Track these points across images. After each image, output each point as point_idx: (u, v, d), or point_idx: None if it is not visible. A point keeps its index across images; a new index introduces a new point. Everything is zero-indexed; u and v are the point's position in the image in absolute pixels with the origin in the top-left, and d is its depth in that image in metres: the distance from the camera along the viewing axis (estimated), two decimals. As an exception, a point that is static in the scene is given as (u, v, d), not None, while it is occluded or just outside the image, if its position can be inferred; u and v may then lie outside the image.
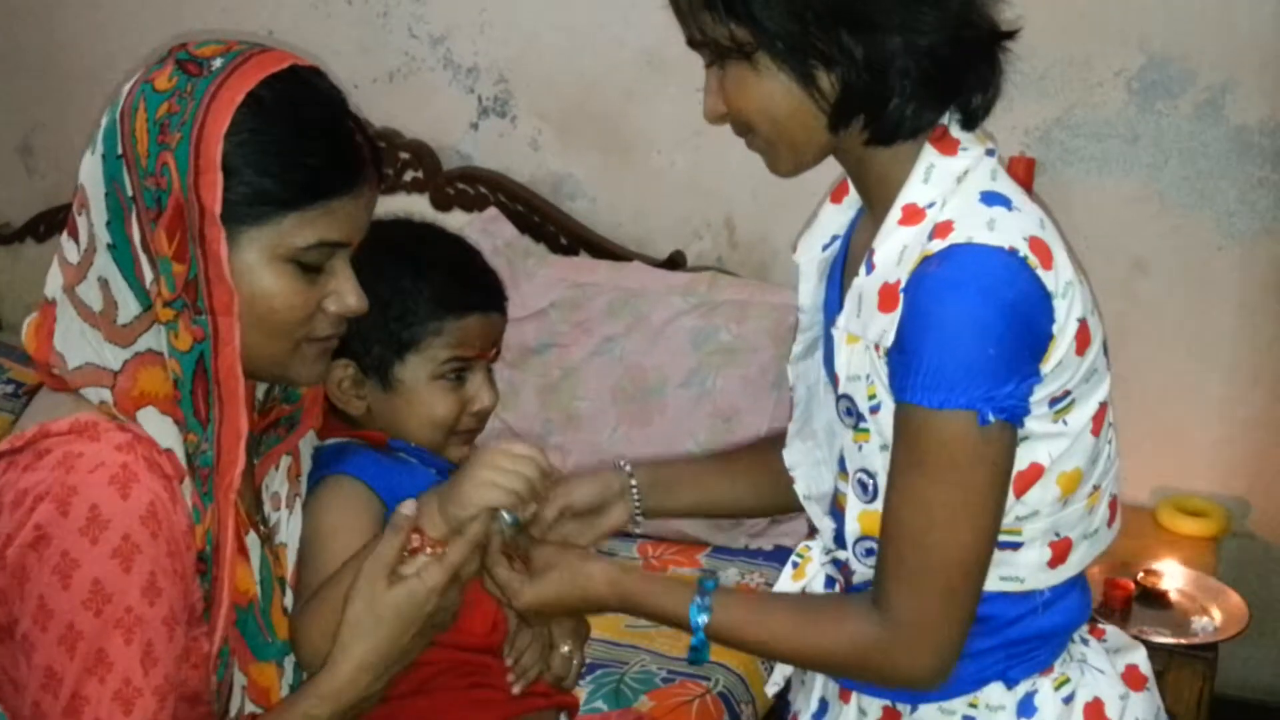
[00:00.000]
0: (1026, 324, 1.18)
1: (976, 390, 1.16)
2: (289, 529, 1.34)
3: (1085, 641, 1.38)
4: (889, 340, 1.20)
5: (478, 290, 1.44)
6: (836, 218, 1.41)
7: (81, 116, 3.61)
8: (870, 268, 1.24)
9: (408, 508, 1.24)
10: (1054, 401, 1.23)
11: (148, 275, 1.14)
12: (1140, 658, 1.41)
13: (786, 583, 1.44)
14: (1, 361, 3.57)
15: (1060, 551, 1.30)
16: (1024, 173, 2.19)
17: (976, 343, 1.15)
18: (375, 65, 3.11)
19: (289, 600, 1.32)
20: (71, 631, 1.09)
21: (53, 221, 3.66)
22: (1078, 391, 1.24)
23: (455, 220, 2.97)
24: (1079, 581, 1.36)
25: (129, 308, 1.15)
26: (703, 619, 1.29)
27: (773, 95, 1.22)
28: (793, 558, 1.43)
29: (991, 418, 1.16)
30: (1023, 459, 1.24)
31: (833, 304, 1.37)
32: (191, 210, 1.12)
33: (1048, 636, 1.33)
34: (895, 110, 1.21)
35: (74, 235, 1.19)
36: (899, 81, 1.20)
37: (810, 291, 1.41)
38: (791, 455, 1.45)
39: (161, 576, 1.12)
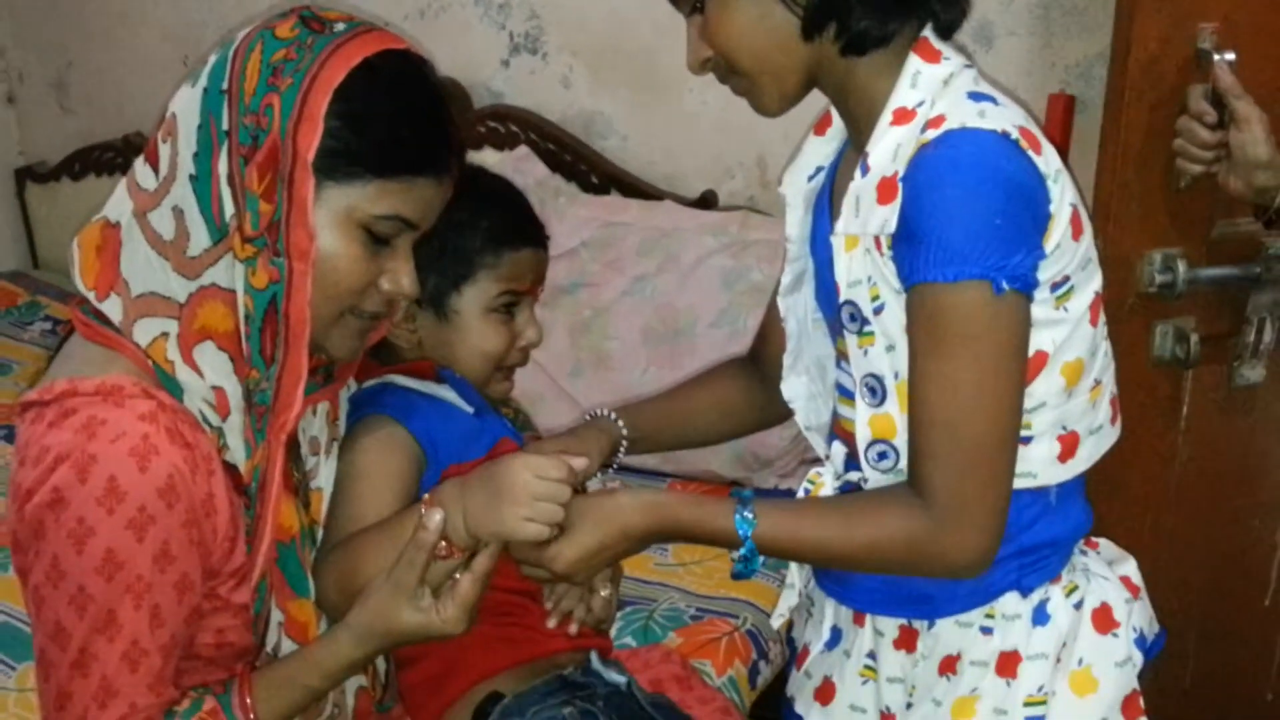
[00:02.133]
0: (1027, 198, 1.21)
1: (989, 259, 1.18)
2: (325, 474, 1.35)
3: (1084, 553, 1.42)
4: (891, 228, 1.23)
5: (530, 225, 1.48)
6: (821, 149, 1.44)
7: (115, 55, 3.63)
8: (865, 169, 1.27)
9: (434, 520, 1.22)
10: (1055, 286, 1.26)
11: (226, 209, 1.16)
12: (1131, 569, 1.45)
13: None
14: (39, 299, 3.61)
15: (1069, 445, 1.33)
16: (1063, 110, 2.15)
17: (983, 214, 1.18)
18: (406, 2, 3.10)
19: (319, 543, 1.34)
20: (82, 594, 1.13)
21: (87, 160, 3.69)
22: (1076, 278, 1.27)
23: (486, 159, 2.96)
24: (1081, 489, 1.39)
25: (200, 240, 1.17)
26: (749, 529, 1.28)
27: (751, 16, 1.26)
28: (804, 484, 1.45)
29: (1005, 286, 1.19)
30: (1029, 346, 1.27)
31: (819, 236, 1.40)
32: (285, 154, 1.14)
33: (1058, 544, 1.37)
34: (861, 15, 1.25)
35: (152, 162, 1.20)
36: None
37: (797, 222, 1.43)
38: (789, 388, 1.48)
39: (175, 545, 1.14)
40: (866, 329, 1.29)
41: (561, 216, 2.85)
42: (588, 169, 2.99)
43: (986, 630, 1.36)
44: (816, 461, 1.48)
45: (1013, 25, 2.47)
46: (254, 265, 1.16)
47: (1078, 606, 1.37)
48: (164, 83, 3.51)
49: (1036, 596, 1.36)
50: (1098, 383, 1.34)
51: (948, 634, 1.37)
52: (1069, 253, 1.26)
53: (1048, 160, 1.24)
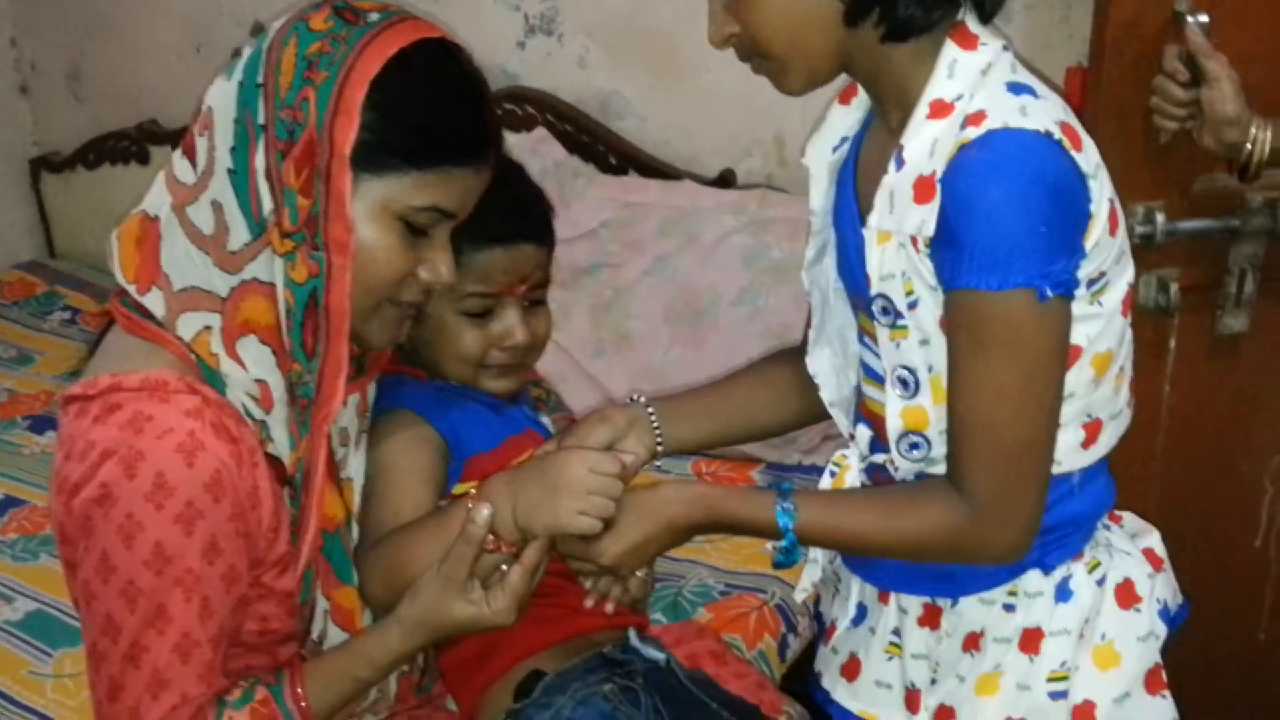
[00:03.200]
0: (1069, 201, 1.20)
1: (1032, 267, 1.18)
2: (355, 464, 1.36)
3: (1108, 527, 1.42)
4: (929, 230, 1.21)
5: (502, 222, 1.37)
6: (845, 119, 1.41)
7: (128, 44, 3.63)
8: (900, 163, 1.25)
9: (482, 515, 1.24)
10: (1091, 282, 1.26)
11: (265, 204, 1.16)
12: (1155, 540, 1.45)
13: None
14: (57, 289, 3.62)
15: (1092, 432, 1.34)
16: (1080, 83, 2.14)
17: (1027, 222, 1.17)
18: (420, -15, 3.10)
19: (355, 535, 1.35)
20: (132, 587, 1.14)
21: (101, 149, 3.69)
22: (1111, 272, 1.27)
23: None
24: (1104, 467, 1.39)
25: (239, 234, 1.17)
26: (789, 521, 1.30)
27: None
28: (829, 467, 1.46)
29: (1049, 293, 1.19)
30: None
31: (843, 207, 1.38)
32: (322, 148, 1.14)
33: (1080, 521, 1.37)
34: (907, 1, 1.22)
35: (190, 156, 1.20)
36: None
37: (820, 194, 1.42)
38: (814, 363, 1.46)
39: (222, 538, 1.15)
40: (900, 322, 1.29)
41: (580, 197, 2.85)
42: (605, 150, 2.99)
43: (1009, 608, 1.37)
44: (840, 438, 1.49)
45: (1031, -2, 2.47)
46: (293, 260, 1.16)
47: (1100, 583, 1.37)
48: (178, 71, 3.53)
49: (1059, 574, 1.36)
50: (1121, 370, 1.35)
51: (971, 611, 1.38)
52: (1106, 249, 1.25)
53: (1088, 156, 1.23)
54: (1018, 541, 1.28)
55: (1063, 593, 1.36)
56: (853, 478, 1.43)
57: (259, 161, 1.16)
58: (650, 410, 1.47)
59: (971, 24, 1.26)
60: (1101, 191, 1.24)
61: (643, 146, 2.98)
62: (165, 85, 3.53)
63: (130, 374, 1.15)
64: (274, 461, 1.21)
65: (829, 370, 1.46)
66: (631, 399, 1.49)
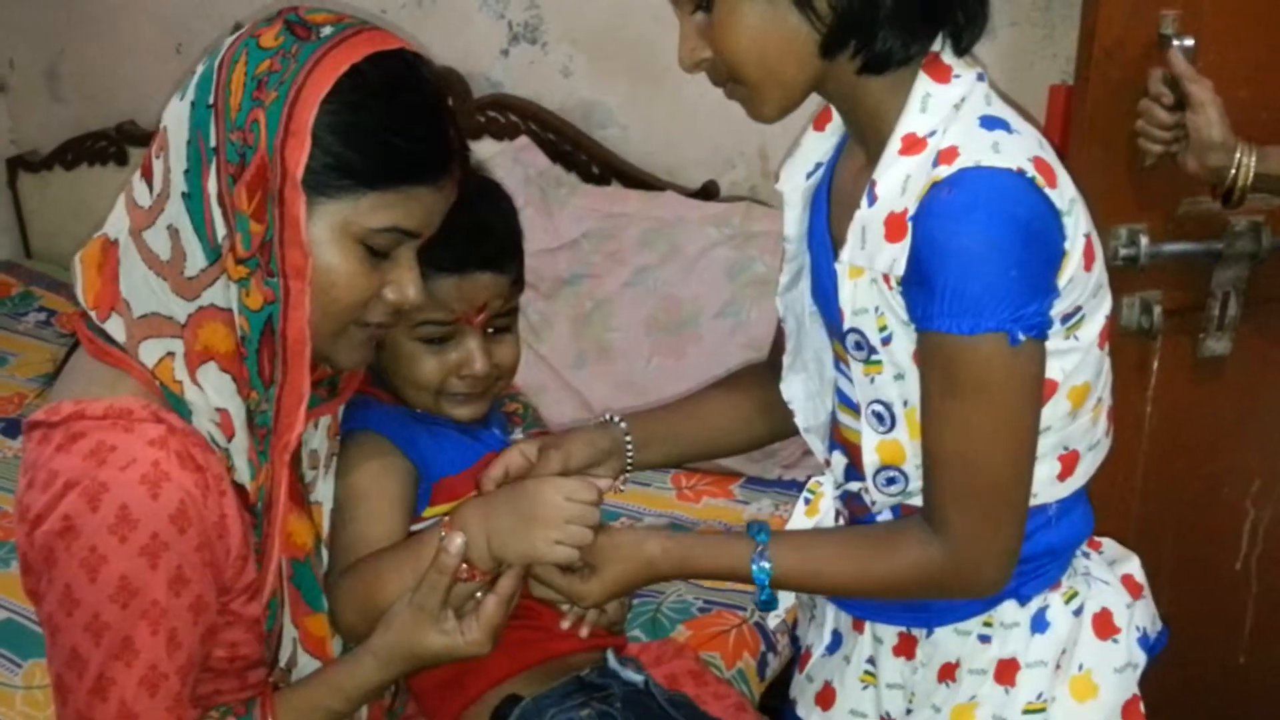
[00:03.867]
0: (1042, 242, 1.18)
1: (1004, 311, 1.16)
2: (325, 488, 1.34)
3: (1086, 555, 1.41)
4: (900, 269, 1.20)
5: (460, 249, 1.32)
6: (820, 145, 1.40)
7: (108, 44, 3.60)
8: (872, 199, 1.23)
9: (455, 544, 1.23)
10: (1066, 318, 1.24)
11: (218, 229, 1.12)
12: (1135, 567, 1.44)
13: (800, 519, 1.46)
14: (32, 289, 3.59)
15: (1069, 464, 1.33)
16: (1064, 101, 2.14)
17: (998, 265, 1.15)
18: (404, -9, 3.08)
19: (325, 561, 1.33)
20: (97, 621, 1.11)
21: (80, 149, 3.67)
22: (1087, 307, 1.26)
23: (486, 149, 2.95)
24: (1082, 496, 1.38)
25: (196, 260, 1.14)
26: (765, 574, 1.29)
27: (768, 25, 1.19)
28: (804, 494, 1.45)
29: (1022, 336, 1.17)
30: None
31: (817, 233, 1.37)
32: (274, 171, 1.10)
33: (1057, 552, 1.36)
34: (887, 34, 1.20)
35: (148, 178, 1.17)
36: (890, 2, 1.18)
37: (795, 220, 1.40)
38: (789, 388, 1.45)
39: (189, 569, 1.12)
40: (874, 357, 1.27)
41: (562, 207, 2.84)
42: (588, 159, 2.97)
43: (984, 638, 1.36)
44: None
45: (1015, 15, 2.46)
46: (247, 286, 1.12)
47: (1078, 613, 1.36)
48: (158, 72, 3.50)
49: (1035, 604, 1.35)
50: (1099, 401, 1.33)
51: (946, 641, 1.37)
52: (1081, 284, 1.24)
53: (1062, 192, 1.21)
54: (996, 578, 1.27)
55: (1039, 623, 1.35)
56: (826, 505, 1.43)
57: (212, 186, 1.11)
58: (627, 436, 1.45)
59: (946, 55, 1.24)
60: (1077, 227, 1.22)
61: (626, 157, 2.97)
62: (145, 85, 3.50)
63: (94, 401, 1.12)
64: (241, 489, 1.19)
65: (803, 396, 1.45)
66: (606, 418, 1.48)
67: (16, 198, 3.84)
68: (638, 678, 1.45)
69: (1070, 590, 1.37)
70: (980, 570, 1.26)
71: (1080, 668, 1.36)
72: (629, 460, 1.46)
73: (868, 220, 1.23)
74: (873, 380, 1.28)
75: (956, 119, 1.21)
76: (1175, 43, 1.78)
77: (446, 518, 1.28)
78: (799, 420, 1.45)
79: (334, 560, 1.33)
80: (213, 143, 1.11)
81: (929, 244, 1.17)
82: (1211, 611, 2.16)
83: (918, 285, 1.19)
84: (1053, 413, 1.27)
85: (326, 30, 1.13)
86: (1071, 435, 1.31)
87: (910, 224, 1.19)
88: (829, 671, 1.48)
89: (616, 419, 1.47)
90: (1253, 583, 2.19)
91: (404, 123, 1.14)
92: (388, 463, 1.36)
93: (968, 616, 1.36)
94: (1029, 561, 1.32)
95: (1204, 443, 2.10)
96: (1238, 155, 1.72)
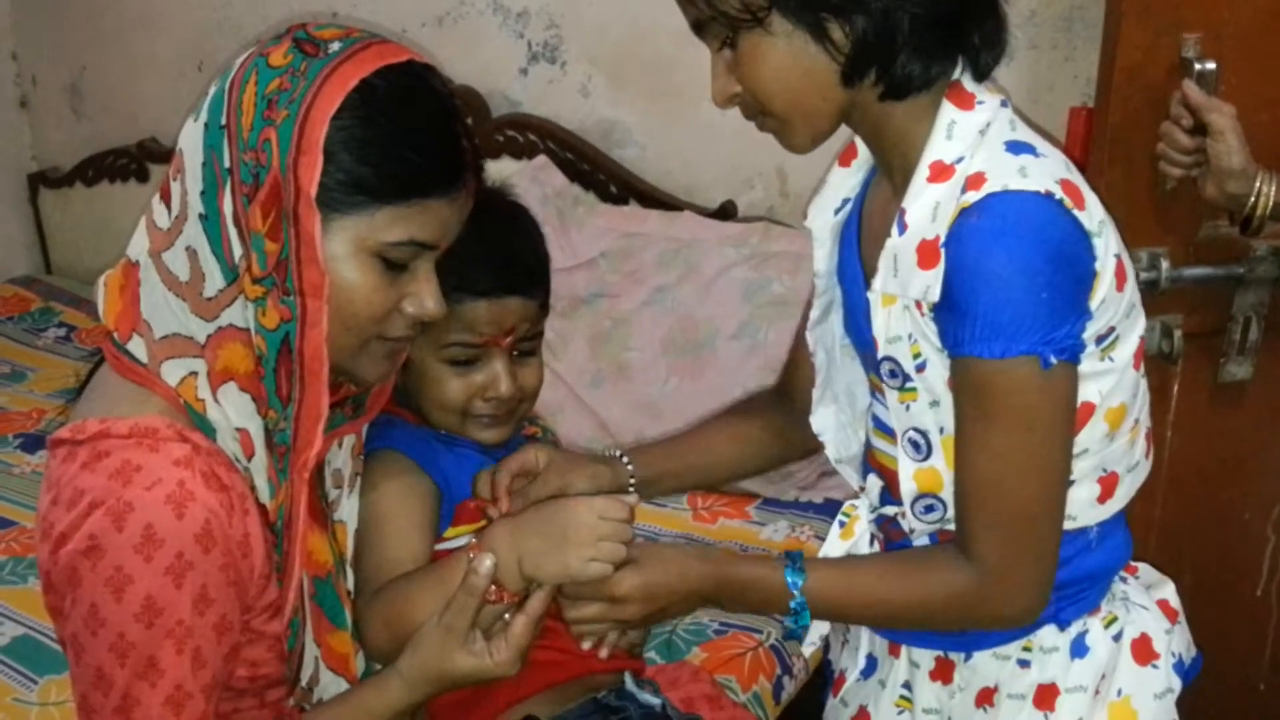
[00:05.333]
0: (1072, 264, 1.19)
1: (1035, 335, 1.16)
2: (347, 507, 1.34)
3: (1124, 579, 1.41)
4: (934, 295, 1.20)
5: (490, 275, 1.35)
6: (847, 180, 1.41)
7: (129, 61, 3.62)
8: (903, 228, 1.24)
9: (485, 565, 1.23)
10: (1100, 339, 1.24)
11: (235, 249, 1.13)
12: (1170, 592, 1.44)
13: (835, 543, 1.46)
14: (52, 304, 3.61)
15: (1108, 486, 1.32)
16: (1085, 123, 2.14)
17: (1029, 289, 1.16)
18: (425, 9, 3.09)
19: (349, 579, 1.33)
20: (123, 640, 1.11)
21: (101, 165, 3.69)
22: (1121, 327, 1.26)
23: (504, 168, 2.96)
24: (1121, 520, 1.38)
25: (214, 280, 1.14)
26: (801, 599, 1.28)
27: (788, 59, 1.20)
28: (839, 518, 1.45)
29: (1054, 360, 1.17)
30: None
31: (848, 267, 1.38)
32: (288, 189, 1.10)
33: (1097, 576, 1.36)
34: (906, 60, 1.21)
35: (166, 200, 1.17)
36: (908, 26, 1.19)
37: (825, 256, 1.41)
38: (819, 420, 1.45)
39: (213, 588, 1.12)
40: (909, 385, 1.28)
41: (580, 226, 2.84)
42: (606, 179, 2.98)
43: (1024, 663, 1.35)
44: (837, 474, 1.48)
45: (1035, 38, 2.46)
46: (263, 305, 1.12)
47: (1117, 638, 1.36)
48: (178, 89, 3.52)
49: (1075, 629, 1.35)
50: (1136, 422, 1.33)
51: (985, 666, 1.37)
52: (1113, 305, 1.24)
53: (1091, 214, 1.21)
54: (1030, 606, 1.27)
55: (1079, 648, 1.35)
56: (861, 529, 1.42)
57: (227, 206, 1.11)
58: (631, 479, 1.46)
59: (968, 82, 1.25)
60: (1107, 248, 1.23)
61: (644, 176, 2.98)
62: (166, 103, 3.52)
63: (119, 420, 1.13)
64: (263, 508, 1.19)
65: (834, 427, 1.45)
66: (612, 454, 1.49)
67: (38, 214, 3.87)
68: (655, 700, 1.45)
69: (1110, 615, 1.37)
70: (1014, 597, 1.26)
71: (1119, 693, 1.35)
72: (632, 489, 1.46)
73: (899, 249, 1.24)
74: (908, 408, 1.28)
75: (982, 144, 1.22)
76: (1196, 67, 1.78)
77: (474, 538, 1.28)
78: (830, 452, 1.45)
79: (360, 583, 1.34)
80: (227, 163, 1.12)
81: (960, 269, 1.18)
82: (1231, 638, 2.14)
83: (949, 311, 1.19)
84: (1090, 435, 1.27)
85: (335, 46, 1.13)
86: (1110, 457, 1.31)
87: (942, 250, 1.19)
88: (864, 696, 1.48)
89: (623, 456, 1.48)
90: (1273, 609, 2.18)
91: (416, 135, 1.14)
92: (410, 482, 1.37)
93: (1006, 641, 1.35)
94: (1069, 586, 1.33)
95: (1224, 467, 2.09)
96: (1257, 183, 1.72)
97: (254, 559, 1.17)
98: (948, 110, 1.23)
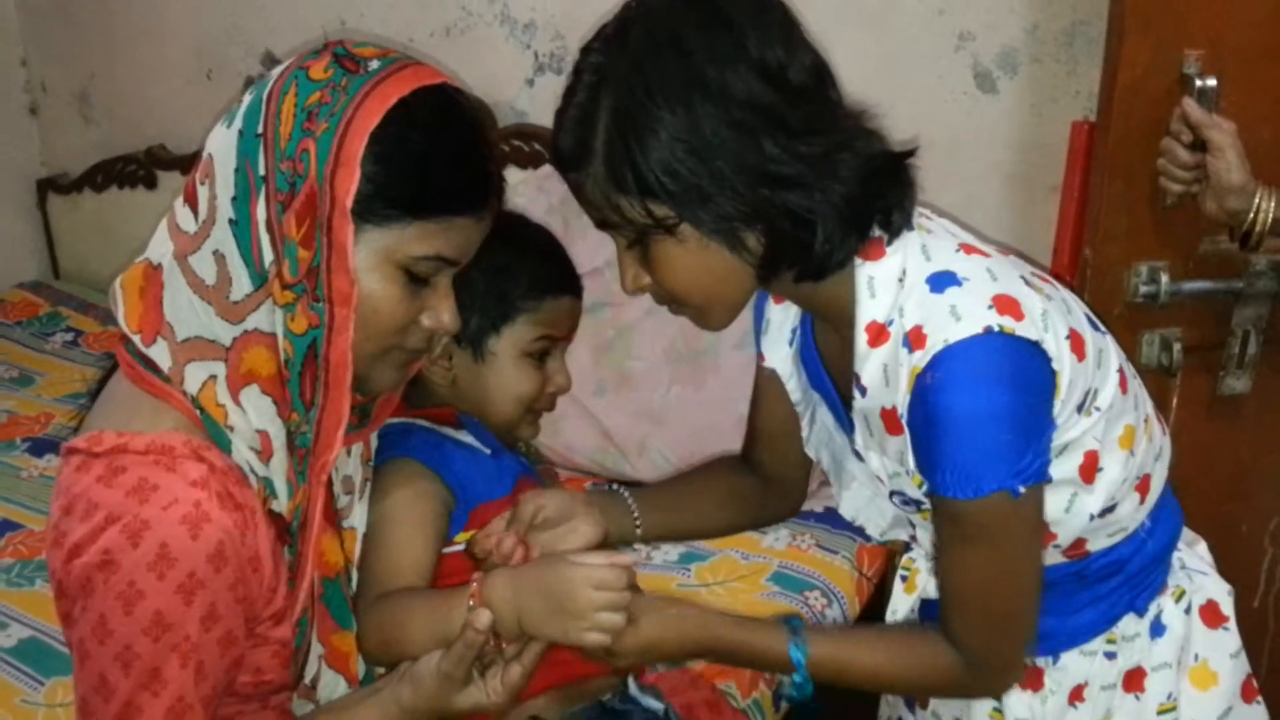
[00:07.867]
0: (1029, 389, 1.21)
1: (1002, 472, 1.20)
2: (358, 514, 1.36)
3: (1176, 547, 1.49)
4: (910, 462, 1.26)
5: (570, 275, 1.52)
6: (786, 313, 1.45)
7: (138, 67, 3.64)
8: (863, 391, 1.27)
9: (483, 621, 1.24)
10: (1079, 407, 1.28)
11: (266, 255, 1.15)
12: (1203, 549, 1.53)
13: (901, 598, 1.47)
14: (60, 310, 3.63)
15: (1145, 486, 1.39)
16: (1086, 137, 2.16)
17: (993, 433, 1.19)
18: (432, 19, 3.11)
19: (354, 582, 1.35)
20: (129, 652, 1.13)
21: (110, 171, 3.70)
22: (1095, 380, 1.30)
23: (510, 178, 2.94)
24: (1168, 492, 1.46)
25: (242, 285, 1.16)
26: (802, 655, 1.32)
27: (700, 263, 1.21)
28: (899, 572, 1.48)
29: (1022, 489, 1.21)
30: (1073, 457, 1.29)
31: (817, 384, 1.42)
32: (323, 200, 1.12)
33: (1160, 556, 1.44)
34: (821, 250, 1.21)
35: (192, 204, 1.19)
36: (822, 225, 1.19)
37: (796, 386, 1.46)
38: (848, 507, 1.48)
39: (221, 605, 1.14)
40: (924, 507, 1.33)
41: (584, 236, 2.82)
42: (611, 188, 2.99)
43: (1110, 655, 1.43)
44: (828, 484, 1.51)
45: (1037, 52, 2.48)
46: (292, 311, 1.15)
47: (1188, 610, 1.44)
48: (187, 95, 3.54)
49: (1151, 612, 1.43)
50: (1147, 419, 1.39)
51: (1074, 665, 1.44)
52: (1082, 375, 1.27)
53: (1031, 314, 1.21)
54: (1006, 682, 1.38)
55: (1157, 629, 1.43)
56: (924, 580, 1.44)
57: (260, 213, 1.14)
58: (637, 522, 1.49)
59: (874, 230, 1.25)
60: (1057, 336, 1.23)
61: (649, 186, 2.98)
62: (175, 110, 3.54)
63: (137, 435, 1.14)
64: (274, 517, 1.21)
65: (865, 506, 1.47)
66: (615, 488, 1.52)
67: (46, 219, 3.88)
68: (658, 705, 1.46)
69: (1178, 589, 1.45)
70: (993, 680, 1.37)
71: (1196, 658, 1.44)
72: (637, 526, 1.49)
73: (866, 410, 1.29)
74: (931, 526, 1.34)
75: (905, 292, 1.23)
76: (1197, 83, 1.80)
77: (475, 584, 1.30)
78: (871, 531, 1.48)
79: (363, 585, 1.36)
80: (261, 171, 1.14)
81: (924, 428, 1.21)
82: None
83: (921, 462, 1.24)
84: (1113, 463, 1.32)
85: (374, 64, 1.16)
86: (1139, 465, 1.37)
87: (903, 419, 1.23)
88: (956, 709, 1.52)
89: (625, 493, 1.50)
90: (1270, 621, 2.19)
91: (448, 155, 1.17)
92: (422, 488, 1.40)
93: (1091, 637, 1.43)
94: (1138, 576, 1.41)
95: (1222, 480, 2.11)
96: (1257, 199, 1.74)
97: (263, 573, 1.19)
98: (864, 269, 1.24)
